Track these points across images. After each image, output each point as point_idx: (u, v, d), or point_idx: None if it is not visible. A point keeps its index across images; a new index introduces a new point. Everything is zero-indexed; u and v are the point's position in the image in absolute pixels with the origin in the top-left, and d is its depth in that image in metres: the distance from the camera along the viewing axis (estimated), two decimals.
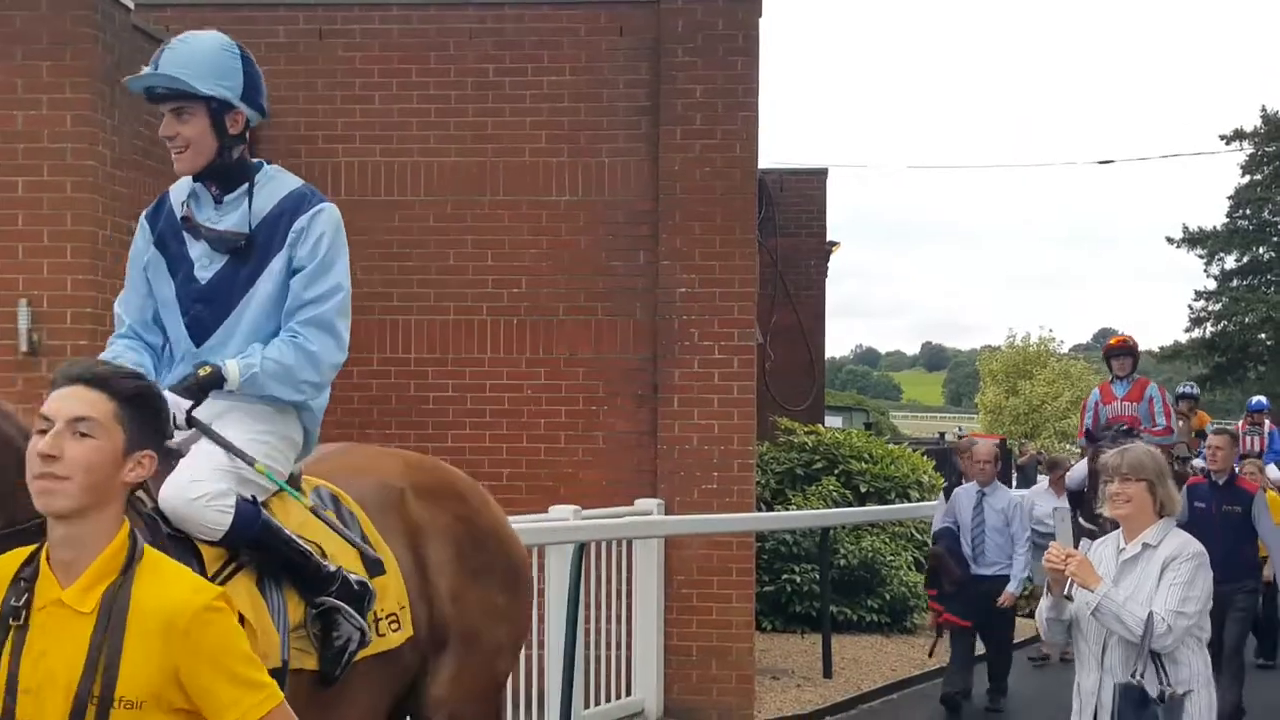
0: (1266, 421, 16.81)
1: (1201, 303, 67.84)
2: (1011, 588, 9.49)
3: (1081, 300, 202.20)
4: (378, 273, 9.36)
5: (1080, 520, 10.99)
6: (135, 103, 7.37)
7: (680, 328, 9.31)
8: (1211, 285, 67.83)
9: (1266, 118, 65.94)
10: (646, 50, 9.45)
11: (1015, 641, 10.72)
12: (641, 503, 9.01)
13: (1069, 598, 4.55)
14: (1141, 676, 4.39)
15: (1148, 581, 4.52)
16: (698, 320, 9.29)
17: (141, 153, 8.26)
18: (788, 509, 12.47)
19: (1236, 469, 9.40)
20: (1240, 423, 17.18)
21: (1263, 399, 17.94)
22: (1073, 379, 40.73)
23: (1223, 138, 66.50)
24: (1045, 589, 4.69)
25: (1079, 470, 11.51)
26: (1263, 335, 65.93)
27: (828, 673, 10.66)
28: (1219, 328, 66.82)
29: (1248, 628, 9.42)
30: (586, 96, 9.54)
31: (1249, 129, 66.09)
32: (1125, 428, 10.67)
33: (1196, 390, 16.31)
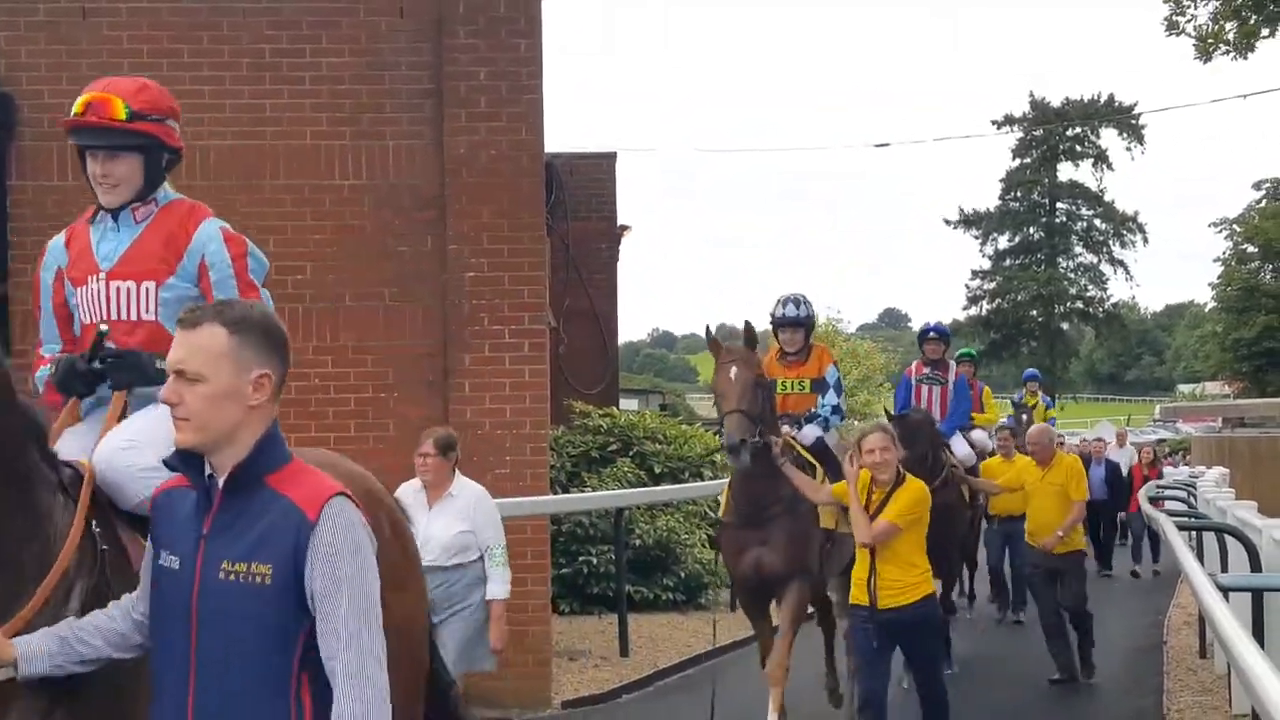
0: (953, 364, 11.90)
1: (977, 282, 71.33)
2: None
3: (866, 281, 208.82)
4: None
5: None
6: None
7: (470, 312, 9.24)
8: (986, 265, 71.33)
9: (1035, 103, 69.61)
10: (428, 32, 9.34)
11: None
12: None
13: None
14: None
15: None
16: (487, 305, 9.24)
17: None
18: (583, 491, 12.53)
19: None
20: (913, 365, 11.76)
21: (943, 324, 12.34)
22: (860, 358, 41.97)
23: (994, 122, 70.13)
24: None
25: None
26: (1034, 312, 69.53)
27: (625, 651, 10.77)
28: (994, 305, 70.33)
29: None
30: (368, 79, 9.37)
31: (1018, 114, 69.69)
32: None
33: (800, 312, 8.70)
